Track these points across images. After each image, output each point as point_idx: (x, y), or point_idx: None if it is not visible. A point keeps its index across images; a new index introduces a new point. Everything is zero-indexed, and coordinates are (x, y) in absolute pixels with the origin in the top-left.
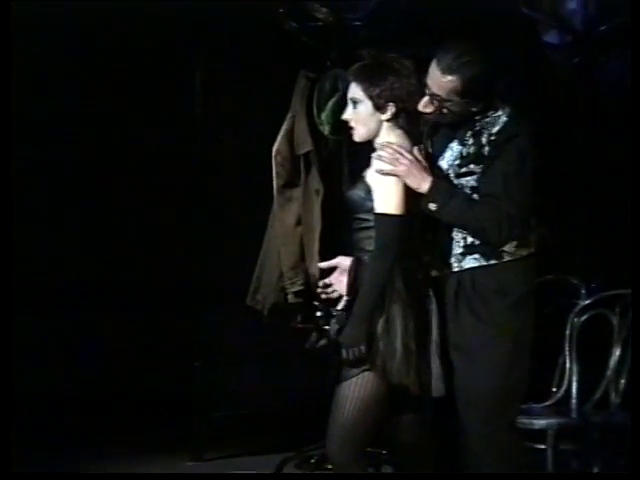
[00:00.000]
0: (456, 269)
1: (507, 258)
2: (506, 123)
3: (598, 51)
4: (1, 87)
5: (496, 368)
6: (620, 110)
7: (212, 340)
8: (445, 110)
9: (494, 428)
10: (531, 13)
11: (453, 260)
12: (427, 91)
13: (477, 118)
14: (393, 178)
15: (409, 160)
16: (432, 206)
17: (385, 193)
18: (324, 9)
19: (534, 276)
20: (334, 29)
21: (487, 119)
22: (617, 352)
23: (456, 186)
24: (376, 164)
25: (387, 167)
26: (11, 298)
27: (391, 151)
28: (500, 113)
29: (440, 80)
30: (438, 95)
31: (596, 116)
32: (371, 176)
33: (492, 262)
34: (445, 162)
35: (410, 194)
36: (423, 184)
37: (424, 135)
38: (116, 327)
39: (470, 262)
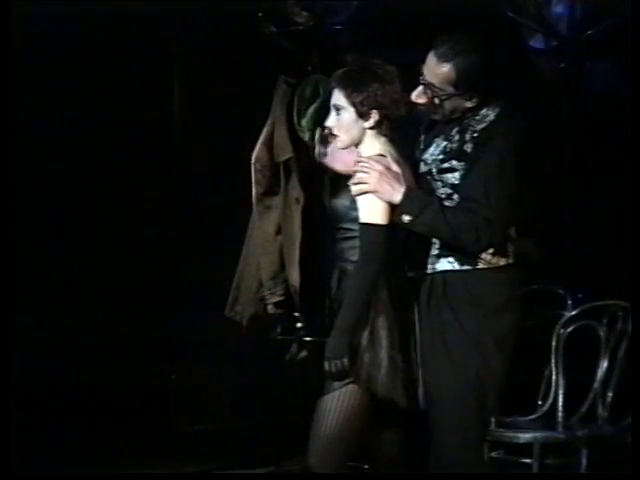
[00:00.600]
0: (429, 271)
1: (481, 265)
2: (492, 122)
3: (584, 56)
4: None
5: (462, 380)
6: (607, 116)
7: (189, 352)
8: (437, 101)
9: (461, 441)
10: (516, 17)
11: (428, 261)
12: (422, 80)
13: (468, 115)
14: None
15: (378, 172)
16: (405, 218)
17: (370, 202)
18: (304, 13)
19: (511, 289)
20: (315, 33)
21: (477, 117)
22: (604, 364)
23: (432, 191)
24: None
25: (357, 187)
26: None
27: (360, 166)
28: (490, 112)
29: (435, 68)
30: (432, 84)
31: (582, 122)
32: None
33: (465, 267)
34: (429, 156)
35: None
36: (395, 196)
37: (420, 133)
38: (89, 337)
39: (444, 265)
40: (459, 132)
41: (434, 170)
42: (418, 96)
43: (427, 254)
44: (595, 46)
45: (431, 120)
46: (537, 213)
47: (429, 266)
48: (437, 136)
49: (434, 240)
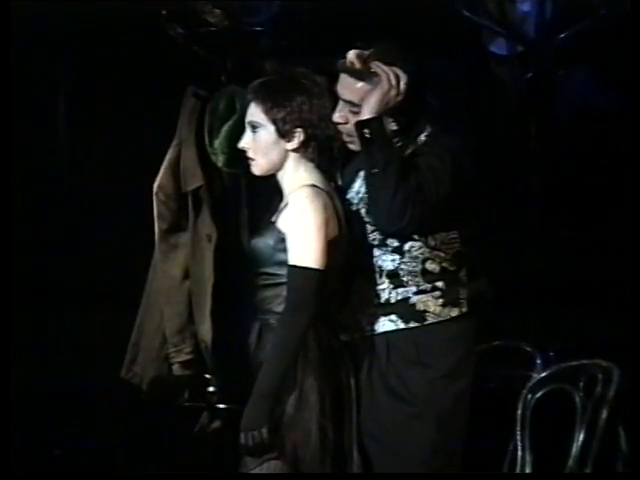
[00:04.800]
0: (369, 333)
1: (431, 320)
2: (423, 144)
3: (556, 64)
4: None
5: (416, 455)
6: (580, 134)
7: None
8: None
9: None
10: (474, 17)
11: (365, 322)
12: (340, 98)
13: (395, 142)
14: (314, 225)
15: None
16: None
17: (304, 242)
18: (217, 11)
19: (468, 344)
20: (230, 36)
21: (405, 143)
22: (580, 437)
23: (365, 236)
24: (293, 208)
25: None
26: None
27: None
28: (420, 135)
29: (351, 84)
30: (351, 101)
31: (552, 142)
32: (285, 222)
33: (412, 325)
34: (355, 194)
35: (330, 245)
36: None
37: (336, 167)
38: None
39: (385, 325)
40: None
41: (363, 210)
42: (342, 116)
43: (364, 312)
44: (568, 52)
45: (346, 150)
46: (488, 250)
47: (367, 327)
48: (360, 169)
49: (371, 296)
